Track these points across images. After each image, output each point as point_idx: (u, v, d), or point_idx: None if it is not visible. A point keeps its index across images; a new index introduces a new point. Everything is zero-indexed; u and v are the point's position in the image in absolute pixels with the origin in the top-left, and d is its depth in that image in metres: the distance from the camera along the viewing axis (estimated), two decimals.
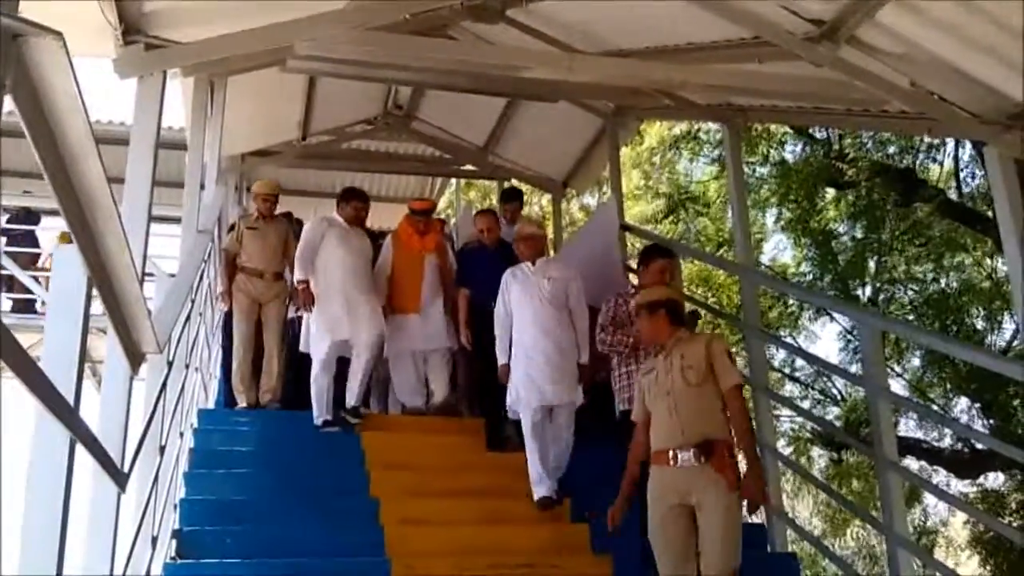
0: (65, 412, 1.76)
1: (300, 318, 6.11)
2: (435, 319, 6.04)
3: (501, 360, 5.24)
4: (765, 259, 12.94)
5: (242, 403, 6.06)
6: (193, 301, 4.87)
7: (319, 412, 5.63)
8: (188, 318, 4.59)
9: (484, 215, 6.43)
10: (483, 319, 5.53)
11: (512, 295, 5.24)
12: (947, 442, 11.63)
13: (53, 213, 10.38)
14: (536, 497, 4.88)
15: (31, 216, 10.77)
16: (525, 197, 14.38)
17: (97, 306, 2.08)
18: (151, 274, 5.59)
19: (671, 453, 3.69)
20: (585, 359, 5.17)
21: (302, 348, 5.93)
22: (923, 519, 13.04)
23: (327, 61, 5.07)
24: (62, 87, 1.42)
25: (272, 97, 7.53)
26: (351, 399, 5.71)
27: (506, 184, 9.41)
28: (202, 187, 6.13)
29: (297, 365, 6.16)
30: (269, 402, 6.07)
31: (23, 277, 9.23)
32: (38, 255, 10.51)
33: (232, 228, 6.48)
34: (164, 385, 3.62)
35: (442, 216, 10.29)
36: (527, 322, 5.14)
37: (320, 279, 5.75)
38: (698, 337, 4.07)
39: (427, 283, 6.06)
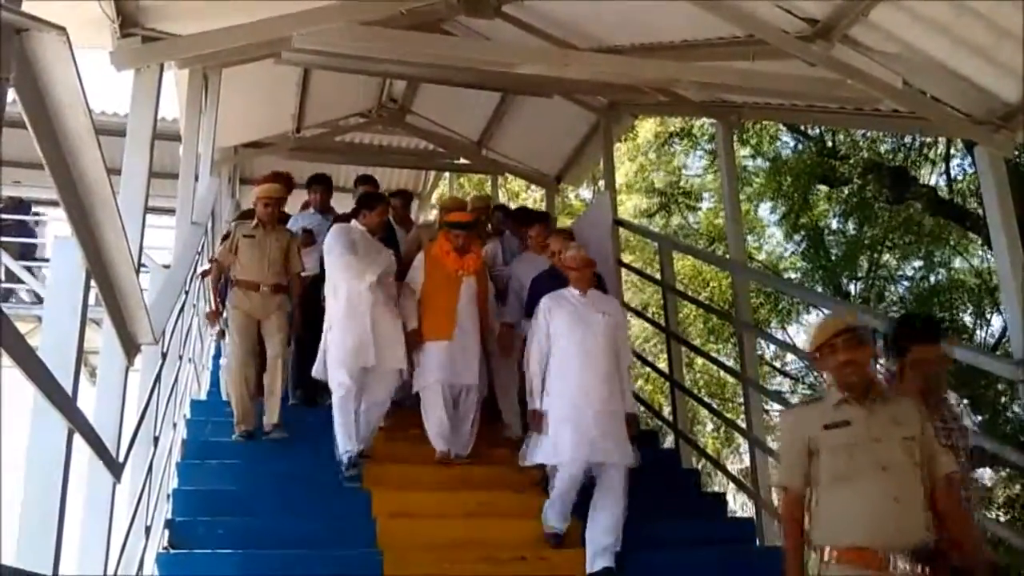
0: (64, 402, 1.78)
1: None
2: (468, 351, 5.29)
3: (533, 404, 4.54)
4: (761, 254, 13.00)
5: (239, 430, 5.32)
6: (187, 293, 4.88)
7: (345, 446, 4.96)
8: (182, 309, 4.61)
9: (558, 235, 5.48)
10: None
11: (558, 327, 4.54)
12: None
13: (46, 203, 10.39)
14: (546, 532, 4.57)
15: (23, 206, 10.75)
16: (520, 191, 14.52)
17: (91, 297, 2.09)
18: (145, 266, 5.52)
19: (885, 556, 2.72)
20: (632, 408, 4.58)
21: (315, 374, 5.22)
22: None
23: (322, 54, 5.10)
24: (64, 81, 1.44)
25: (266, 89, 7.52)
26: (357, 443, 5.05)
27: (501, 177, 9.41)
28: (196, 178, 6.09)
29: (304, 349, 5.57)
30: (273, 428, 5.34)
31: (15, 267, 9.24)
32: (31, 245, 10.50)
33: (227, 236, 5.73)
34: (159, 376, 3.63)
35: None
36: (578, 363, 4.43)
37: (341, 297, 5.11)
38: (900, 398, 3.04)
39: (462, 308, 5.31)
